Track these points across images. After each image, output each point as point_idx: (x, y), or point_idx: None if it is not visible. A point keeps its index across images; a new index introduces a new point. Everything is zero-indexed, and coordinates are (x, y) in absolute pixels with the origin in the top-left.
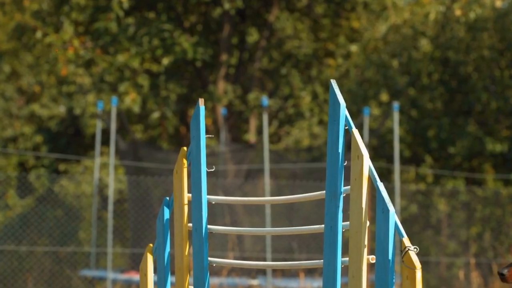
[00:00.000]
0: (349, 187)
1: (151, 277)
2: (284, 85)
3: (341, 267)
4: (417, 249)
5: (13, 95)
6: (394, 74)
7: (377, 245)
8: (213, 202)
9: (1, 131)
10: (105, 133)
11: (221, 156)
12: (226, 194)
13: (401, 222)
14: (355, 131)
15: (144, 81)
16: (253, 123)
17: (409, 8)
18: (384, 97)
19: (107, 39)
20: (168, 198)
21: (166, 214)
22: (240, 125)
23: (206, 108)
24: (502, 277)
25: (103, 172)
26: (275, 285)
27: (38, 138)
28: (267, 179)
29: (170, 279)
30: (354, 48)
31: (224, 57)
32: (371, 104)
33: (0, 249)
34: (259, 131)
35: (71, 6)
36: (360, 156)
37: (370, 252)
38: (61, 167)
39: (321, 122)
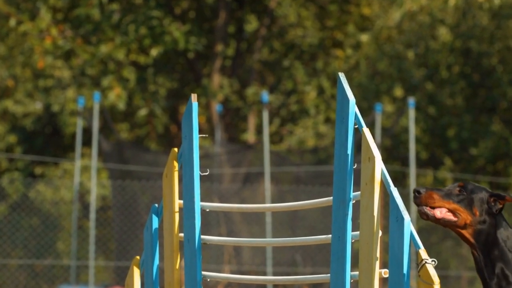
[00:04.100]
0: (359, 192)
1: None
2: (287, 78)
3: (350, 282)
4: (435, 262)
5: None
6: (410, 66)
7: (391, 257)
8: (207, 210)
9: None
10: (87, 132)
11: (216, 158)
12: (222, 200)
13: (417, 232)
14: (366, 130)
15: (130, 74)
16: (252, 121)
17: None
18: (398, 92)
19: (89, 27)
20: (157, 205)
21: (155, 223)
22: (237, 123)
23: (199, 105)
24: (417, 195)
25: (85, 176)
26: None
27: (12, 138)
28: (267, 184)
29: None
30: (364, 37)
31: (219, 47)
32: (384, 100)
33: None
34: (259, 130)
35: None
36: (371, 158)
37: (383, 265)
38: (38, 170)
39: (327, 120)
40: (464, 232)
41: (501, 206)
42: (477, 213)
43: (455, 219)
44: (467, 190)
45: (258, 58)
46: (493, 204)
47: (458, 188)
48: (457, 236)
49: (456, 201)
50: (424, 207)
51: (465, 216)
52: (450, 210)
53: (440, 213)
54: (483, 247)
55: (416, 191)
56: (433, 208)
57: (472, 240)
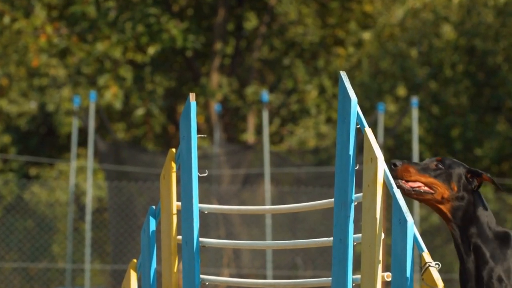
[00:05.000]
0: (361, 194)
1: None
2: (287, 77)
3: (352, 286)
4: (439, 265)
5: None
6: (413, 65)
7: (393, 260)
8: (206, 212)
9: None
10: (83, 132)
11: (215, 159)
12: (220, 202)
13: (421, 234)
14: (368, 130)
15: (127, 73)
16: (251, 121)
17: None
18: (401, 91)
19: (85, 25)
20: (154, 207)
21: (152, 225)
22: (236, 123)
23: (198, 104)
24: (394, 167)
25: (80, 177)
26: None
27: (6, 138)
28: (267, 185)
29: None
30: (367, 35)
31: (218, 45)
32: (387, 100)
33: None
34: (259, 130)
35: None
36: (373, 159)
37: (386, 268)
38: (32, 171)
39: (329, 120)
40: (441, 207)
41: (478, 183)
42: (455, 188)
43: (431, 192)
44: (444, 164)
45: (257, 56)
46: (470, 180)
47: (435, 163)
48: None
49: (433, 176)
50: (400, 180)
51: (442, 190)
52: (426, 185)
53: (416, 186)
54: (460, 223)
55: (392, 164)
56: (409, 182)
57: (449, 215)
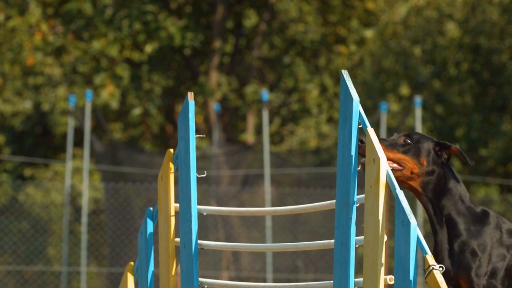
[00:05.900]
0: (363, 195)
1: None
2: (288, 76)
3: None
4: (443, 268)
5: None
6: (416, 63)
7: (396, 263)
8: (205, 213)
9: None
10: (78, 132)
11: (214, 160)
12: (219, 204)
13: (425, 237)
14: (371, 130)
15: (123, 71)
16: (251, 121)
17: None
18: (405, 90)
19: (81, 22)
20: (152, 208)
21: (150, 227)
22: (236, 123)
23: (196, 103)
24: (361, 144)
25: (76, 178)
26: None
27: (0, 139)
28: (267, 187)
29: None
30: (369, 33)
31: (217, 43)
32: (389, 99)
33: None
34: (258, 130)
35: None
36: (376, 160)
37: (388, 271)
38: (27, 172)
39: (330, 120)
40: (411, 183)
41: (447, 156)
42: (425, 162)
43: (400, 168)
44: (412, 139)
45: (257, 54)
46: (439, 153)
47: (403, 138)
48: None
49: (402, 151)
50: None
51: (411, 166)
52: (394, 161)
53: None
54: (431, 196)
55: (360, 140)
56: None
57: (420, 189)
